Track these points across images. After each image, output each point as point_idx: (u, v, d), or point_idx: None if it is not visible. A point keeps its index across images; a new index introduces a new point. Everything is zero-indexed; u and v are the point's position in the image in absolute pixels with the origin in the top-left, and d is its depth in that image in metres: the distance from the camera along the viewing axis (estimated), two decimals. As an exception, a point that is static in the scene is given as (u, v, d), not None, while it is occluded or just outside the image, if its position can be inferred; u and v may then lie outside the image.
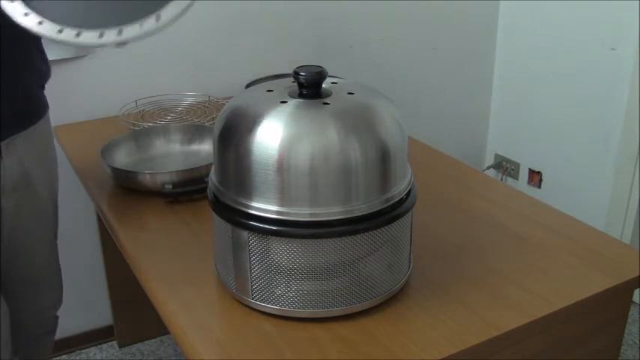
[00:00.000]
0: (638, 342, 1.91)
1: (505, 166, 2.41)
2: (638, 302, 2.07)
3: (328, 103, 0.82)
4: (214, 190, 0.86)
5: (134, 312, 1.85)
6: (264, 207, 0.79)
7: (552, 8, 2.09)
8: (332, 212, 0.78)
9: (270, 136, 0.78)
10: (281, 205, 0.79)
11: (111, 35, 0.76)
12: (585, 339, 0.96)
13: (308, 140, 0.77)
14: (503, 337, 0.82)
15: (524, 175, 2.35)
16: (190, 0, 0.77)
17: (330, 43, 1.99)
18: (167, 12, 0.77)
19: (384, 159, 0.81)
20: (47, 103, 1.16)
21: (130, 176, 1.21)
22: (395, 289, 0.88)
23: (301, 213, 0.78)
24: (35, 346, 1.34)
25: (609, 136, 2.00)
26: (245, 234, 0.81)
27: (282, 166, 0.77)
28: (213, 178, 0.88)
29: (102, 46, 0.77)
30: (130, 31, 0.76)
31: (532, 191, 2.29)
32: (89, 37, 0.76)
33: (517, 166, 2.37)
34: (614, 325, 1.00)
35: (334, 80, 0.89)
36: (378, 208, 0.81)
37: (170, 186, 1.17)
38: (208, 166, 1.17)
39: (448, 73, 2.26)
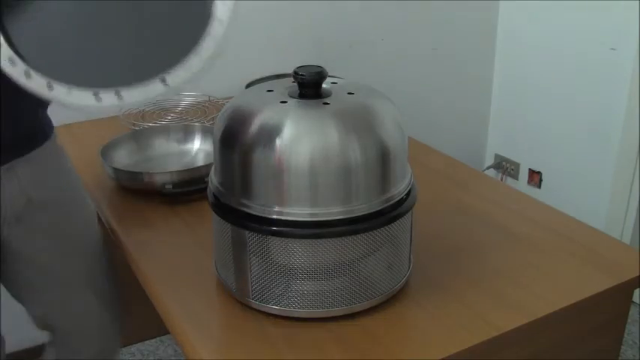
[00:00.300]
0: (638, 342, 1.91)
1: (505, 166, 2.41)
2: (638, 302, 2.07)
3: (328, 103, 0.82)
4: (214, 191, 0.86)
5: (134, 312, 1.85)
6: (264, 207, 0.79)
7: (552, 8, 2.09)
8: (332, 212, 0.78)
9: (270, 136, 0.78)
10: (281, 205, 0.79)
11: (108, 97, 0.67)
12: (585, 339, 0.96)
13: (308, 140, 0.77)
14: (503, 337, 0.82)
15: (524, 175, 2.35)
16: (202, 65, 0.69)
17: (330, 43, 1.99)
18: (175, 76, 0.68)
19: (384, 159, 0.81)
20: (52, 124, 1.07)
21: (130, 176, 1.21)
22: (395, 289, 0.88)
23: (301, 213, 0.78)
24: None
25: (609, 136, 2.00)
26: (245, 234, 0.81)
27: (282, 166, 0.77)
28: (213, 178, 0.88)
29: (96, 108, 0.67)
30: (131, 95, 0.67)
31: (532, 191, 2.29)
32: (83, 96, 0.67)
33: (517, 166, 2.37)
34: (614, 325, 1.00)
35: (334, 80, 0.89)
36: (378, 208, 0.81)
37: (170, 186, 1.17)
38: (208, 166, 1.17)
39: (448, 73, 2.26)
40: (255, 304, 0.85)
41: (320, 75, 0.83)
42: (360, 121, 0.81)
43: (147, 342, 1.93)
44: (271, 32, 1.88)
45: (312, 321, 0.84)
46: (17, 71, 0.66)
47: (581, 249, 1.01)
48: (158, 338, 1.94)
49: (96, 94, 0.66)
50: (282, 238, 0.79)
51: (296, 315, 0.83)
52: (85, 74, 0.68)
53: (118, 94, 0.66)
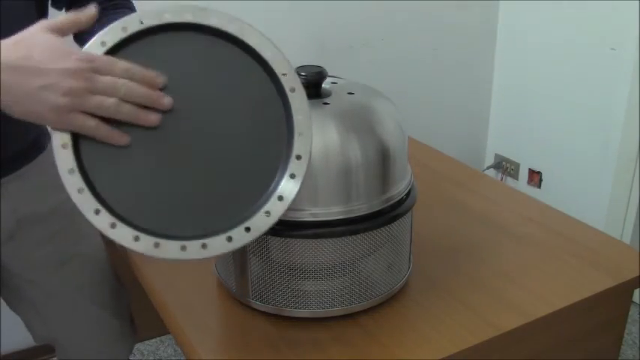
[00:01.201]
0: (638, 342, 1.91)
1: (505, 166, 2.41)
2: (638, 302, 2.07)
3: (328, 103, 0.82)
4: (214, 190, 0.86)
5: (134, 312, 1.85)
6: (264, 207, 0.79)
7: (552, 8, 2.09)
8: (332, 212, 0.78)
9: (270, 136, 0.78)
10: (281, 205, 0.79)
11: (194, 249, 0.66)
12: (585, 339, 0.96)
13: (308, 140, 0.77)
14: (503, 337, 0.82)
15: (524, 175, 2.35)
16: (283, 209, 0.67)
17: (330, 43, 1.99)
18: (256, 222, 0.67)
19: (384, 159, 0.81)
20: (49, 135, 1.00)
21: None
22: (395, 289, 0.88)
23: (301, 213, 0.78)
24: None
25: (609, 136, 2.00)
26: (245, 234, 0.81)
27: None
28: (213, 178, 0.88)
29: (181, 259, 0.66)
30: (217, 246, 0.66)
31: (532, 191, 2.29)
32: (170, 248, 0.66)
33: (517, 166, 2.37)
34: (614, 325, 1.00)
35: (334, 80, 0.89)
36: (378, 208, 0.81)
37: (170, 186, 1.16)
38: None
39: (448, 73, 2.26)
40: (255, 304, 0.85)
41: (320, 75, 0.83)
42: (360, 121, 0.81)
43: (147, 342, 1.93)
44: (271, 32, 1.86)
45: (312, 321, 0.84)
46: (102, 221, 0.66)
47: (581, 249, 1.01)
48: (158, 338, 1.94)
49: (182, 248, 0.66)
50: (282, 238, 0.79)
51: (296, 315, 0.83)
52: (171, 225, 0.67)
53: (203, 246, 0.66)
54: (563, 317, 0.88)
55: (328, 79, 0.86)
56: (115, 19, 0.69)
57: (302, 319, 0.84)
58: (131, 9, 0.98)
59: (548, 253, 1.00)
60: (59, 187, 0.93)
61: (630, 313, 1.06)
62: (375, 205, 0.81)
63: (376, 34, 2.06)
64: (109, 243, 1.13)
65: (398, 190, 0.84)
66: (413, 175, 0.89)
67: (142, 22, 0.69)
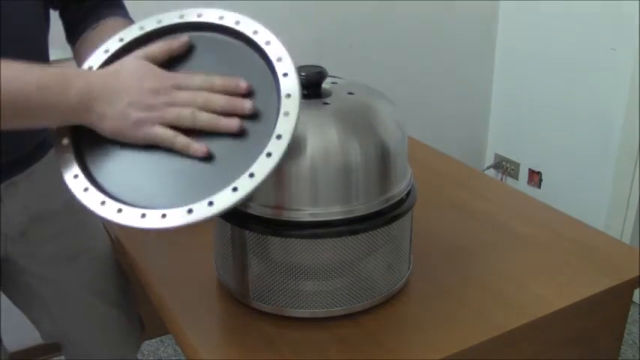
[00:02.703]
0: (638, 342, 1.91)
1: (505, 166, 2.41)
2: (638, 302, 2.07)
3: (328, 103, 0.82)
4: (214, 190, 0.86)
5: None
6: (264, 207, 0.79)
7: (552, 8, 2.09)
8: (332, 212, 0.78)
9: (270, 136, 0.78)
10: (281, 205, 0.79)
11: (153, 218, 0.69)
12: (585, 339, 0.96)
13: (308, 140, 0.77)
14: (503, 337, 0.82)
15: (524, 175, 2.35)
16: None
17: (330, 43, 1.99)
18: (221, 197, 0.68)
19: (384, 159, 0.81)
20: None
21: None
22: (395, 289, 0.88)
23: (301, 213, 0.78)
24: None
25: (609, 136, 2.00)
26: (245, 234, 0.81)
27: (282, 166, 0.77)
28: (213, 178, 0.88)
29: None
30: (176, 217, 0.68)
31: (532, 191, 2.29)
32: (130, 216, 0.69)
33: (517, 166, 2.37)
34: (614, 325, 1.00)
35: (334, 80, 0.89)
36: (378, 208, 0.81)
37: (170, 186, 1.16)
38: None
39: (448, 73, 2.26)
40: (255, 304, 0.85)
41: (320, 75, 0.83)
42: (360, 121, 0.81)
43: (147, 342, 1.93)
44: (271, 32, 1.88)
45: (312, 321, 0.84)
46: (108, 210, 0.70)
47: (581, 249, 1.01)
48: (158, 338, 1.94)
49: (142, 215, 0.69)
50: (282, 238, 0.79)
51: (296, 315, 0.83)
52: (154, 200, 0.71)
53: (163, 216, 0.69)
54: (563, 317, 0.88)
55: (328, 79, 0.86)
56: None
57: (302, 319, 0.84)
58: (122, 7, 0.99)
59: (548, 253, 1.00)
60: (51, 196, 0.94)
61: (630, 313, 1.06)
62: (375, 205, 0.81)
63: (376, 34, 2.06)
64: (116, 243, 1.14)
65: (398, 190, 0.84)
66: (413, 175, 0.89)
67: (159, 22, 0.78)
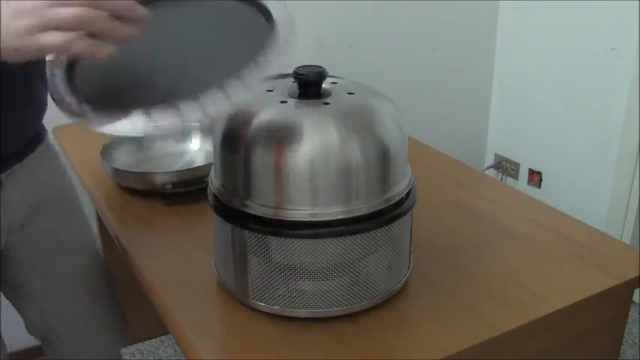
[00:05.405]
0: (638, 342, 1.91)
1: (505, 166, 2.41)
2: (638, 302, 2.07)
3: (328, 103, 0.82)
4: (214, 191, 0.86)
5: (134, 312, 1.85)
6: (264, 207, 0.79)
7: (552, 8, 2.09)
8: (332, 212, 0.78)
9: (270, 136, 0.78)
10: (281, 205, 0.79)
11: (191, 110, 0.67)
12: (585, 339, 0.96)
13: (308, 140, 0.77)
14: (503, 337, 0.82)
15: (524, 175, 2.35)
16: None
17: (330, 43, 1.99)
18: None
19: (384, 159, 0.81)
20: (45, 127, 1.07)
21: (130, 176, 1.21)
22: (395, 289, 0.88)
23: (301, 213, 0.78)
24: None
25: (609, 136, 2.00)
26: (245, 234, 0.81)
27: (282, 166, 0.77)
28: (213, 178, 0.88)
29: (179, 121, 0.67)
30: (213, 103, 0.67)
31: (532, 191, 2.29)
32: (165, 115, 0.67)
33: (517, 166, 2.37)
34: (614, 325, 1.00)
35: (334, 80, 0.89)
36: (378, 208, 0.81)
37: (170, 186, 1.17)
38: (208, 166, 1.17)
39: (448, 73, 2.26)
40: (255, 304, 0.85)
41: (320, 75, 0.83)
42: (360, 121, 0.81)
43: (147, 342, 1.93)
44: (271, 32, 1.88)
45: (312, 321, 0.84)
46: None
47: (581, 249, 1.01)
48: (158, 338, 1.94)
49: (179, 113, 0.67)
50: (282, 238, 0.79)
51: (296, 315, 0.83)
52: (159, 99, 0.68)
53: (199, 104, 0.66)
54: (563, 317, 0.88)
55: (328, 79, 0.86)
56: None
57: (302, 319, 0.84)
58: None
59: (548, 253, 1.00)
60: (59, 174, 0.97)
61: (630, 313, 1.06)
62: (375, 205, 0.81)
63: (376, 34, 2.06)
64: (109, 243, 1.14)
65: (398, 190, 0.84)
66: (413, 175, 0.89)
67: None
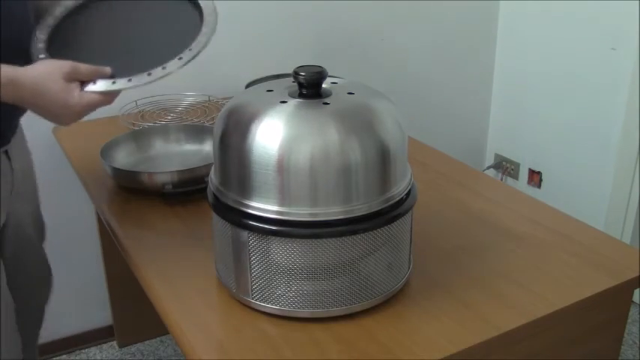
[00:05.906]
0: (638, 342, 1.91)
1: (505, 166, 2.41)
2: (638, 302, 2.07)
3: (328, 103, 0.82)
4: (214, 191, 0.86)
5: (134, 312, 1.85)
6: (264, 207, 0.79)
7: (552, 8, 2.09)
8: (332, 212, 0.78)
9: (270, 136, 0.78)
10: (281, 205, 0.79)
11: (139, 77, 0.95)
12: (585, 339, 0.96)
13: (308, 140, 0.77)
14: (503, 337, 0.82)
15: (524, 175, 2.35)
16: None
17: (330, 43, 1.99)
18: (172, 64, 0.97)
19: (384, 159, 0.81)
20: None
21: (130, 176, 1.21)
22: (395, 289, 0.88)
23: (301, 213, 0.78)
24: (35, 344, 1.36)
25: (609, 136, 2.00)
26: (245, 234, 0.81)
27: (282, 166, 0.77)
28: (213, 178, 0.88)
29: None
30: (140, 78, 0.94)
31: (532, 191, 2.29)
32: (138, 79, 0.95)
33: (517, 166, 2.37)
34: (614, 325, 1.00)
35: (334, 80, 0.89)
36: (378, 208, 0.81)
37: (170, 186, 1.17)
38: (208, 166, 1.17)
39: (448, 73, 2.26)
40: (255, 304, 0.85)
41: (320, 75, 0.83)
42: (360, 121, 0.81)
43: (147, 342, 1.93)
44: (271, 32, 1.88)
45: (312, 321, 0.84)
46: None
47: (581, 249, 1.01)
48: (158, 338, 1.94)
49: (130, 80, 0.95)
50: (282, 238, 0.79)
51: (296, 315, 0.83)
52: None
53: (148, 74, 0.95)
54: (563, 317, 0.88)
55: (328, 79, 0.86)
56: None
57: (302, 319, 0.84)
58: None
59: (548, 253, 1.00)
60: (27, 150, 1.22)
61: (630, 313, 1.06)
62: (375, 205, 0.81)
63: (376, 34, 2.06)
64: (108, 243, 1.14)
65: (398, 190, 0.84)
66: (413, 175, 0.89)
67: None
